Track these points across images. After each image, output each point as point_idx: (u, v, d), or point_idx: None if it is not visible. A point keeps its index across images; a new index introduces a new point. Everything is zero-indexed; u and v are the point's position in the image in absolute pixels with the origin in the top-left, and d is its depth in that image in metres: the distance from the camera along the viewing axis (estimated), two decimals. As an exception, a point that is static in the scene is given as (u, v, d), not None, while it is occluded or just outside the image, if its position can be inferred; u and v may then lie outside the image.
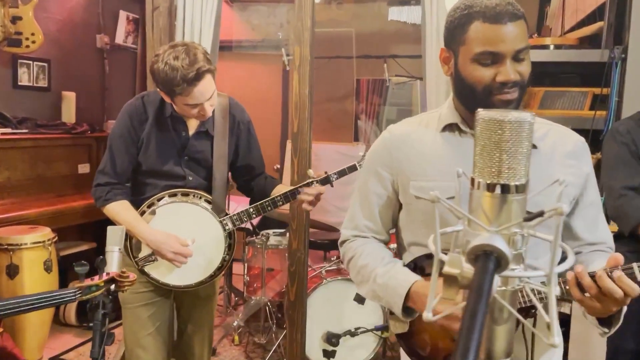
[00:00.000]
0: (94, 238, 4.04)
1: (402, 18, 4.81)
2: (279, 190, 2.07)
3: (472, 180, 0.47)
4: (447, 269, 0.42)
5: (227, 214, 2.02)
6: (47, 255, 3.09)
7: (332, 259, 3.50)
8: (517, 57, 1.12)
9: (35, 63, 4.09)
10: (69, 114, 4.29)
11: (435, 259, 0.48)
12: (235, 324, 3.48)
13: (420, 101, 4.91)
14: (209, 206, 2.01)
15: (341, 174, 2.02)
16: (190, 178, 2.03)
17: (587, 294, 1.04)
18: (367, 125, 5.06)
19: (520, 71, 1.14)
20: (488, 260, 0.40)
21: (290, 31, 4.98)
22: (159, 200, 2.01)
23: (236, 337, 3.50)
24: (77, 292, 1.06)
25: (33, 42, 3.62)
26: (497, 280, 0.41)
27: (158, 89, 1.93)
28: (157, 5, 2.90)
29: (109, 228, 1.63)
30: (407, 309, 1.21)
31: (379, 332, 3.00)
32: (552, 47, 2.95)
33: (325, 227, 3.81)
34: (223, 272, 2.12)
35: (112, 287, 1.31)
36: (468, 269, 0.41)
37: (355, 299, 3.01)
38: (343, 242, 1.42)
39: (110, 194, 1.99)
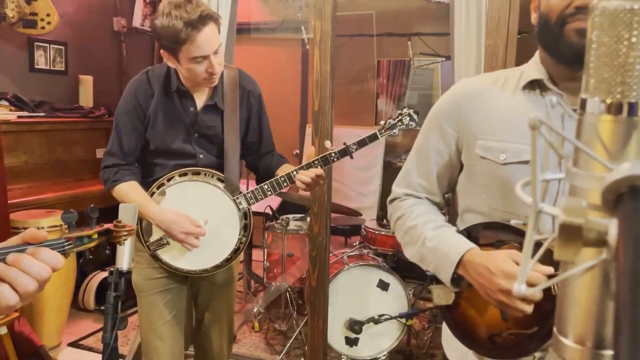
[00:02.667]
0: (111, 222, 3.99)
1: (426, -5, 4.64)
2: (285, 170, 1.94)
3: (583, 101, 0.35)
4: (565, 218, 0.31)
5: (241, 193, 1.90)
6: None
7: (354, 244, 3.39)
8: None
9: (51, 46, 4.03)
10: (86, 97, 4.24)
11: (532, 210, 0.36)
12: (255, 310, 3.41)
13: (442, 83, 4.75)
14: (221, 185, 1.89)
15: (361, 144, 1.85)
16: (201, 156, 1.92)
17: None
18: (388, 108, 4.92)
19: None
20: (635, 197, 0.28)
21: (311, 7, 4.86)
22: (168, 180, 1.89)
23: (256, 324, 3.43)
24: (65, 242, 0.92)
25: (48, 23, 3.55)
26: None
27: (162, 50, 1.80)
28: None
29: (121, 205, 1.53)
30: (455, 278, 1.13)
31: (403, 320, 2.89)
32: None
33: (346, 212, 3.70)
34: (240, 256, 2.01)
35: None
36: (597, 218, 0.30)
37: (378, 285, 2.91)
38: (393, 199, 1.32)
39: (118, 174, 1.88)
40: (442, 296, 1.16)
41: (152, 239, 1.88)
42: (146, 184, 1.92)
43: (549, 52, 1.09)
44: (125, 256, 1.40)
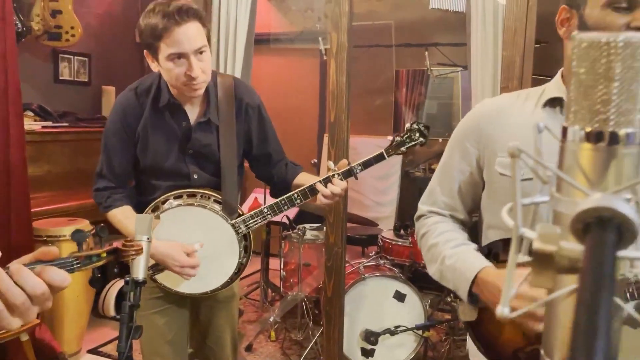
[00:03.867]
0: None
1: (444, 6, 4.64)
2: (302, 179, 1.86)
3: (564, 129, 0.36)
4: (538, 245, 0.31)
5: (240, 214, 1.79)
6: (85, 247, 3.09)
7: (371, 254, 3.39)
8: None
9: (75, 57, 4.13)
10: (108, 107, 4.31)
11: (513, 234, 0.37)
12: (271, 319, 3.42)
13: (462, 93, 4.74)
14: (219, 207, 1.76)
15: (366, 164, 1.74)
16: (196, 176, 1.80)
17: None
18: (407, 118, 4.92)
19: None
20: (606, 229, 0.28)
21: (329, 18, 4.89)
22: (163, 203, 1.78)
23: (272, 333, 3.43)
24: (74, 261, 0.93)
25: (72, 35, 3.64)
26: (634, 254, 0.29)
27: (145, 51, 1.68)
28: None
29: (137, 217, 1.56)
30: (473, 295, 1.13)
31: (419, 332, 2.88)
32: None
33: (363, 222, 3.70)
34: (241, 276, 1.90)
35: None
36: (569, 246, 0.30)
37: (394, 296, 2.89)
38: (419, 217, 1.35)
39: (110, 199, 1.79)
40: (466, 312, 1.17)
41: (149, 264, 1.82)
42: (141, 204, 1.83)
43: None
44: (140, 266, 1.42)
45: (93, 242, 1.05)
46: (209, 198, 1.78)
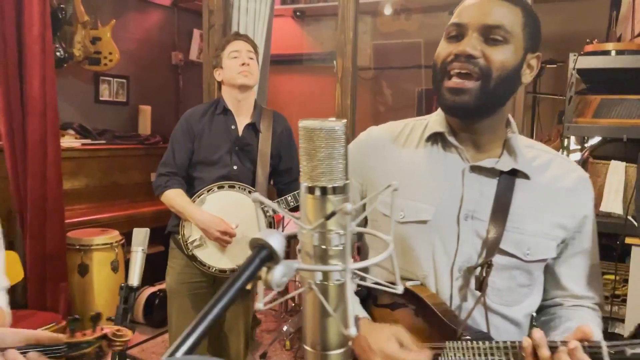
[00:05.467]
0: (161, 242, 4.31)
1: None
2: None
3: (301, 184, 0.50)
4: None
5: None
6: (114, 256, 3.35)
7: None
8: (486, 36, 0.99)
9: (115, 79, 4.46)
10: (144, 126, 4.62)
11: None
12: (285, 329, 3.57)
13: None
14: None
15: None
16: (235, 167, 2.26)
17: None
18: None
19: (487, 53, 0.98)
20: (258, 252, 0.44)
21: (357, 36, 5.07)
22: (208, 191, 2.23)
23: (287, 343, 3.59)
24: (63, 347, 0.98)
25: (110, 60, 3.95)
26: (281, 271, 0.44)
27: (214, 70, 2.35)
28: (213, 24, 3.09)
29: (135, 230, 1.75)
30: None
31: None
32: (613, 53, 2.79)
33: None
34: None
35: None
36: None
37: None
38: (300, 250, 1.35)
39: (169, 182, 2.23)
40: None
41: (190, 240, 2.22)
42: (189, 196, 2.25)
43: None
44: (135, 273, 1.61)
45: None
46: (244, 189, 2.25)
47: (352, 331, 0.45)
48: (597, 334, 0.88)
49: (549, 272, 1.12)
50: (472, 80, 0.99)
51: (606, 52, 2.79)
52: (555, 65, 3.94)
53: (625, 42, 3.01)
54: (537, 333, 0.89)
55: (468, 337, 0.96)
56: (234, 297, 0.42)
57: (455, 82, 1.00)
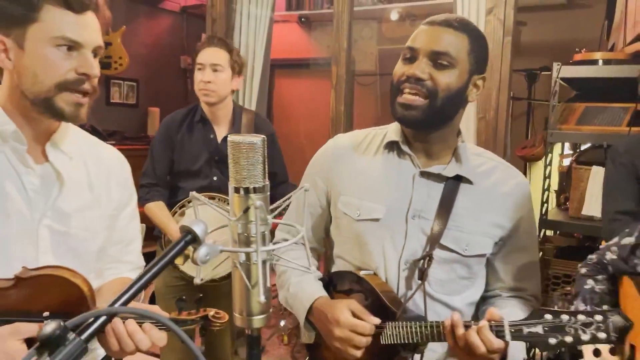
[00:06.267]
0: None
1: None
2: None
3: (229, 186, 0.63)
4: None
5: None
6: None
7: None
8: (434, 60, 1.12)
9: (125, 82, 4.64)
10: (153, 127, 4.79)
11: None
12: (282, 324, 3.71)
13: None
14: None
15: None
16: (215, 178, 2.27)
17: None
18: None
19: (434, 76, 1.12)
20: (184, 236, 0.58)
21: (359, 42, 5.20)
22: (188, 202, 2.25)
23: (285, 337, 3.73)
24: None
25: (120, 64, 4.12)
26: (205, 251, 0.58)
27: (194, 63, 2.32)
28: (215, 32, 3.23)
29: (165, 250, 1.90)
30: (310, 321, 1.24)
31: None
32: (601, 62, 2.88)
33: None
34: None
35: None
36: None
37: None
38: (275, 243, 1.43)
39: (149, 194, 2.26)
40: (306, 336, 1.28)
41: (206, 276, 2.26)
42: (171, 204, 2.30)
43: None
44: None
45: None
46: (224, 201, 2.18)
47: (261, 299, 0.59)
48: (517, 317, 1.00)
49: (490, 267, 1.25)
50: (420, 98, 1.14)
51: (594, 62, 2.88)
52: (550, 73, 4.02)
53: (611, 52, 3.11)
54: (456, 315, 1.03)
55: (405, 318, 1.10)
56: (161, 268, 0.56)
57: (405, 98, 1.15)
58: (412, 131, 1.22)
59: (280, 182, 2.43)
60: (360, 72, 5.37)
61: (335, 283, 1.27)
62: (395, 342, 1.10)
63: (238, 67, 2.30)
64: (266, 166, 0.63)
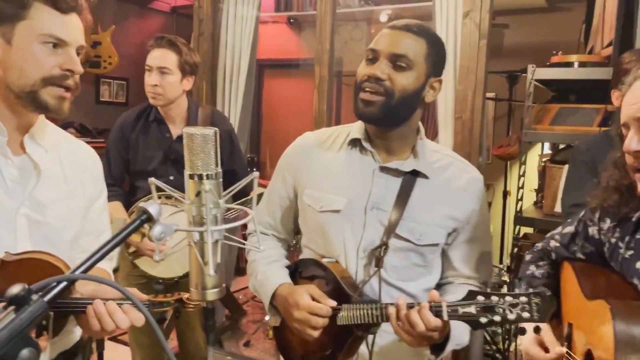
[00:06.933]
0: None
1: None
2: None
3: (185, 173, 0.71)
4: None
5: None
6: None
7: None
8: (394, 62, 1.20)
9: (115, 81, 4.70)
10: (142, 125, 4.85)
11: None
12: (266, 319, 3.79)
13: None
14: None
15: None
16: (172, 177, 2.25)
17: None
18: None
19: (392, 77, 1.20)
20: (140, 215, 0.65)
21: (349, 43, 5.28)
22: (145, 202, 2.31)
23: (270, 332, 3.80)
24: (148, 305, 1.20)
25: (110, 63, 4.20)
26: (160, 229, 0.66)
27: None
28: (202, 32, 3.31)
29: (115, 219, 1.97)
30: (275, 307, 1.33)
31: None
32: (576, 64, 2.97)
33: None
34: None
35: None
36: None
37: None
38: (248, 234, 1.52)
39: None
40: (272, 320, 1.37)
41: (130, 250, 2.28)
42: (130, 204, 2.29)
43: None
44: (113, 257, 1.83)
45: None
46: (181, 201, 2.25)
47: (211, 272, 0.67)
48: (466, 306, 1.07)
49: (444, 256, 1.34)
50: (379, 96, 1.22)
51: (570, 64, 2.97)
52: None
53: (587, 55, 3.20)
54: (401, 299, 1.12)
55: (359, 301, 1.19)
56: (118, 242, 0.64)
57: (365, 95, 1.23)
58: (373, 129, 1.30)
59: (242, 178, 2.43)
60: (349, 73, 5.45)
61: (301, 270, 1.37)
62: (350, 322, 1.19)
63: (189, 68, 2.27)
64: (218, 156, 0.71)
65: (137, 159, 2.29)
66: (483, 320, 1.01)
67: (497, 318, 1.00)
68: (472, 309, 1.02)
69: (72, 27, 1.12)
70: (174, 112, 2.29)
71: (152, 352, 2.35)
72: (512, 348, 3.19)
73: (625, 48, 2.66)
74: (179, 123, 2.32)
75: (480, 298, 1.02)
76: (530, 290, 1.03)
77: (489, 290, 1.05)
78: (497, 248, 4.08)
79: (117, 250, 1.81)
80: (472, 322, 1.02)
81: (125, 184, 2.46)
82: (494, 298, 1.01)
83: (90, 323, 1.07)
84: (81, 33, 1.16)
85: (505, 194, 3.93)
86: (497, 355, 3.29)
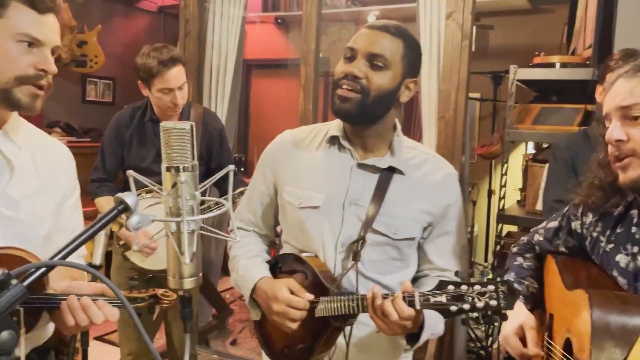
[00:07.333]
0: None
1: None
2: None
3: (162, 165, 0.74)
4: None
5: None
6: (91, 247, 3.57)
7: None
8: (371, 61, 1.23)
9: (101, 81, 4.69)
10: (129, 125, 4.85)
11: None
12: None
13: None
14: None
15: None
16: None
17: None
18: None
19: (369, 76, 1.23)
20: (117, 205, 0.68)
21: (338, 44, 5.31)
22: (137, 196, 2.33)
23: (257, 331, 3.81)
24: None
25: (96, 63, 4.19)
26: (137, 219, 0.68)
27: (139, 82, 2.29)
28: (189, 31, 3.32)
29: (99, 216, 1.97)
30: (255, 301, 1.35)
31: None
32: (558, 65, 3.02)
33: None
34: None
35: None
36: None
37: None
38: (230, 231, 1.53)
39: (99, 189, 2.36)
40: (254, 314, 1.39)
41: (121, 243, 2.34)
42: None
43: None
44: (98, 253, 1.84)
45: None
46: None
47: (187, 261, 0.69)
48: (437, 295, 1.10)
49: (420, 250, 1.37)
50: (355, 93, 1.25)
51: (551, 65, 3.03)
52: (514, 75, 4.18)
53: (568, 56, 3.26)
54: (375, 288, 1.15)
55: (337, 294, 1.22)
56: (96, 231, 0.66)
57: (342, 91, 1.26)
58: (350, 127, 1.33)
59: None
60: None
61: (281, 265, 1.39)
62: (328, 314, 1.22)
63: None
64: (195, 149, 0.73)
65: (131, 156, 2.35)
66: (453, 308, 1.04)
67: (466, 306, 1.03)
68: (442, 298, 1.05)
69: (49, 27, 1.12)
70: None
71: (140, 345, 2.38)
72: (494, 346, 3.24)
73: (605, 49, 2.71)
74: (173, 120, 2.38)
75: (451, 287, 1.05)
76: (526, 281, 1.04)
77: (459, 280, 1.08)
78: (482, 246, 4.13)
79: (100, 249, 1.81)
80: (443, 310, 1.05)
81: (119, 182, 2.53)
82: (464, 287, 1.04)
83: (64, 319, 1.08)
84: (57, 33, 1.16)
85: (490, 193, 3.98)
86: (481, 352, 3.33)
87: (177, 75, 2.23)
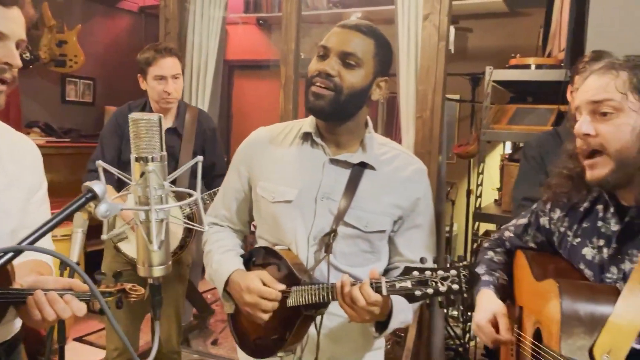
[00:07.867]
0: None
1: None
2: None
3: (131, 156, 0.75)
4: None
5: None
6: (68, 245, 3.55)
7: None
8: (344, 60, 1.25)
9: (81, 81, 4.67)
10: (110, 126, 4.82)
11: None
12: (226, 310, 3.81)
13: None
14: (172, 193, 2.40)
15: None
16: None
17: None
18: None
19: (342, 74, 1.25)
20: (85, 194, 0.69)
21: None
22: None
23: (238, 331, 3.82)
24: (90, 295, 1.16)
25: (75, 62, 4.17)
26: (105, 207, 0.70)
27: (138, 75, 2.47)
28: (169, 31, 3.33)
29: (75, 215, 1.98)
30: (228, 294, 1.38)
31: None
32: (533, 66, 3.08)
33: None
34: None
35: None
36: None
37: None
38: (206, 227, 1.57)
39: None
40: (227, 306, 1.41)
41: (114, 233, 2.40)
42: (120, 191, 2.40)
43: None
44: (75, 251, 1.84)
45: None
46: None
47: (154, 248, 0.71)
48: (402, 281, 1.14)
49: (391, 242, 1.41)
50: (328, 91, 1.27)
51: (527, 66, 3.09)
52: (492, 76, 4.25)
53: (543, 57, 3.33)
54: (344, 277, 1.18)
55: (308, 283, 1.25)
56: (63, 218, 0.68)
57: (316, 88, 1.28)
58: (323, 123, 1.36)
59: (219, 174, 2.54)
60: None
61: (254, 258, 1.42)
62: (299, 303, 1.25)
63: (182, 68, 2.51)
64: (163, 140, 0.75)
65: (127, 149, 2.42)
66: (418, 293, 1.08)
67: (429, 291, 1.07)
68: (407, 284, 1.09)
69: (13, 21, 1.12)
70: (171, 111, 2.49)
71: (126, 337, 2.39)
72: (472, 343, 3.28)
73: (577, 52, 2.78)
74: (169, 117, 2.51)
75: (415, 273, 1.09)
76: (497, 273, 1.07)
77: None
78: (462, 245, 4.19)
79: (77, 247, 1.81)
80: (409, 295, 1.09)
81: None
82: (427, 272, 1.07)
83: (31, 313, 1.07)
84: (22, 27, 1.15)
85: (469, 192, 4.04)
86: (459, 349, 3.38)
87: (171, 64, 2.39)
